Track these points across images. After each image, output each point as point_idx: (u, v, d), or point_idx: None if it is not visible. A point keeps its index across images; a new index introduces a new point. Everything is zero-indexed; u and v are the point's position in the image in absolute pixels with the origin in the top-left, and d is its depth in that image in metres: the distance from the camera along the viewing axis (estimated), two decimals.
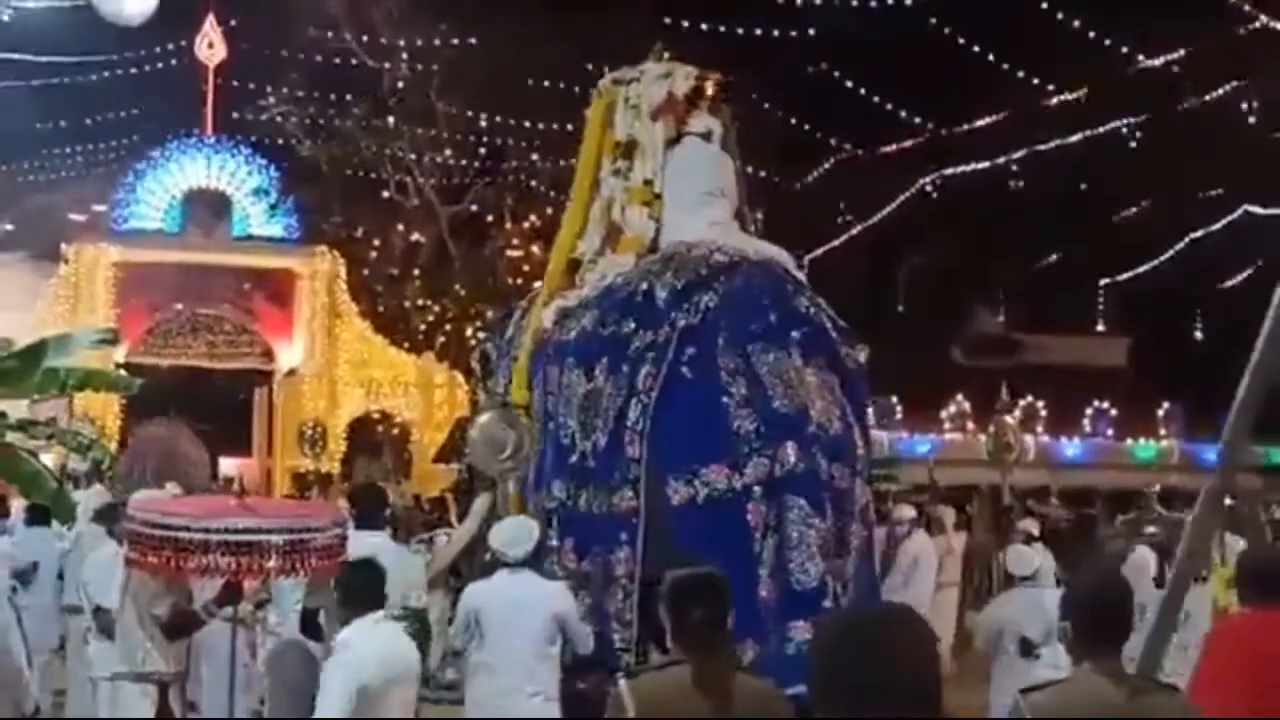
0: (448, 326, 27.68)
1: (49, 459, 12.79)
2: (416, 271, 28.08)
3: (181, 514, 5.97)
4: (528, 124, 27.43)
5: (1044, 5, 24.58)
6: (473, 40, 26.60)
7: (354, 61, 27.27)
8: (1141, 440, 32.14)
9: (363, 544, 6.70)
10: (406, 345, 27.34)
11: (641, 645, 7.73)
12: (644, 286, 8.58)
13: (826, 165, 30.10)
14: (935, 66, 26.37)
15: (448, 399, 26.39)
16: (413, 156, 27.97)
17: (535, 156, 27.65)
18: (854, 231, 31.39)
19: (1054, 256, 33.27)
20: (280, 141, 28.01)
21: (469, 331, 25.62)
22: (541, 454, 8.75)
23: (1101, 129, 28.32)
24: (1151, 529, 12.34)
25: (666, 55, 9.75)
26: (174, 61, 27.41)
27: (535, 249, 25.74)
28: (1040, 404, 30.15)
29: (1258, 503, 12.76)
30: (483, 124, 27.95)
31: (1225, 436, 5.30)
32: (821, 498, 7.83)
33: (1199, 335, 35.99)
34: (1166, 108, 27.06)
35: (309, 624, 7.02)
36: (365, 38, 27.15)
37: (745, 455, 7.81)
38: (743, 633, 7.02)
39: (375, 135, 27.57)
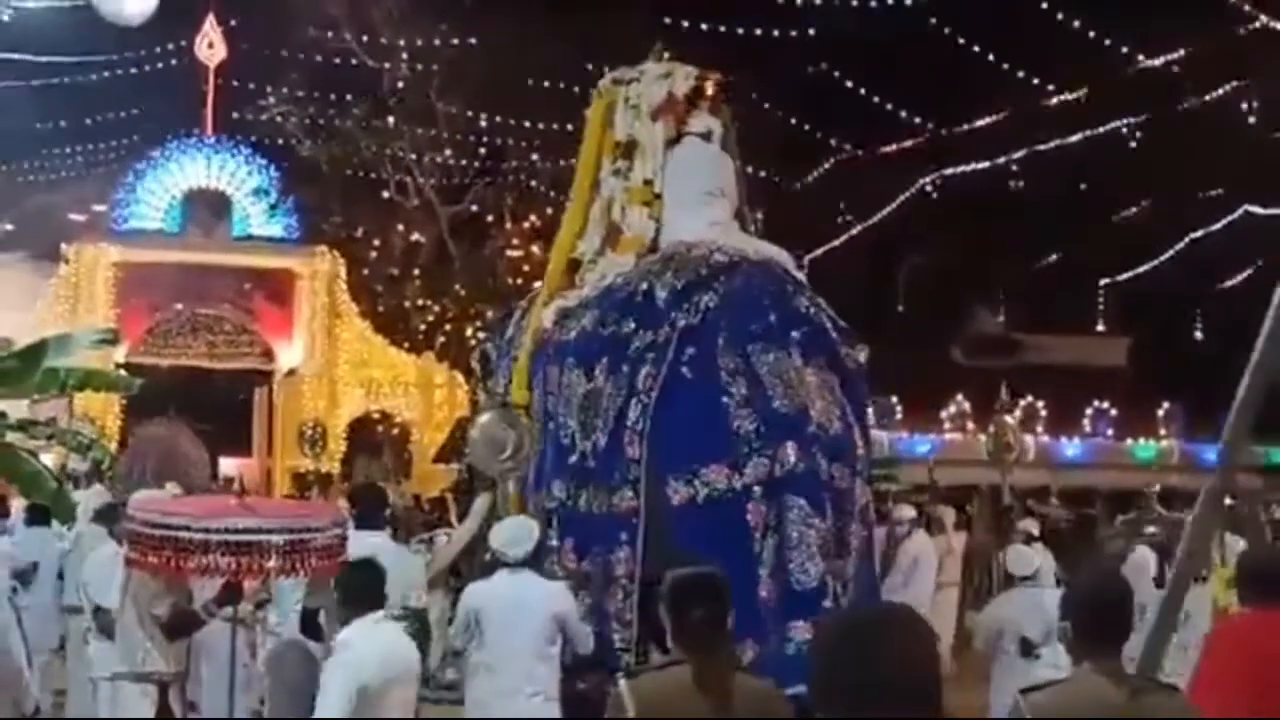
0: (448, 326, 27.69)
1: (49, 459, 12.78)
2: (416, 271, 28.08)
3: (181, 514, 5.97)
4: (528, 124, 27.44)
5: (1044, 5, 24.59)
6: (473, 40, 26.61)
7: (354, 61, 27.28)
8: (1141, 440, 32.14)
9: (363, 544, 6.70)
10: (406, 345, 27.34)
11: (641, 645, 7.73)
12: (644, 286, 8.58)
13: (826, 165, 30.12)
14: (935, 66, 26.38)
15: (448, 399, 26.39)
16: (413, 156, 27.97)
17: (535, 156, 27.65)
18: (854, 231, 31.40)
19: (1054, 256, 33.26)
20: (280, 141, 28.01)
21: (469, 331, 25.63)
22: (541, 454, 8.74)
23: (1101, 129, 28.33)
24: (1151, 529, 12.34)
25: (666, 55, 9.75)
26: (174, 61, 27.43)
27: (535, 249, 25.74)
28: (1040, 404, 30.15)
29: (1258, 503, 12.74)
30: (483, 124, 27.96)
31: (1225, 436, 5.31)
32: (821, 498, 7.83)
33: (1199, 335, 36.01)
34: (1166, 108, 27.08)
35: (309, 624, 7.02)
36: (365, 38, 27.15)
37: (745, 455, 7.81)
38: (743, 633, 7.01)
39: (375, 135, 27.57)
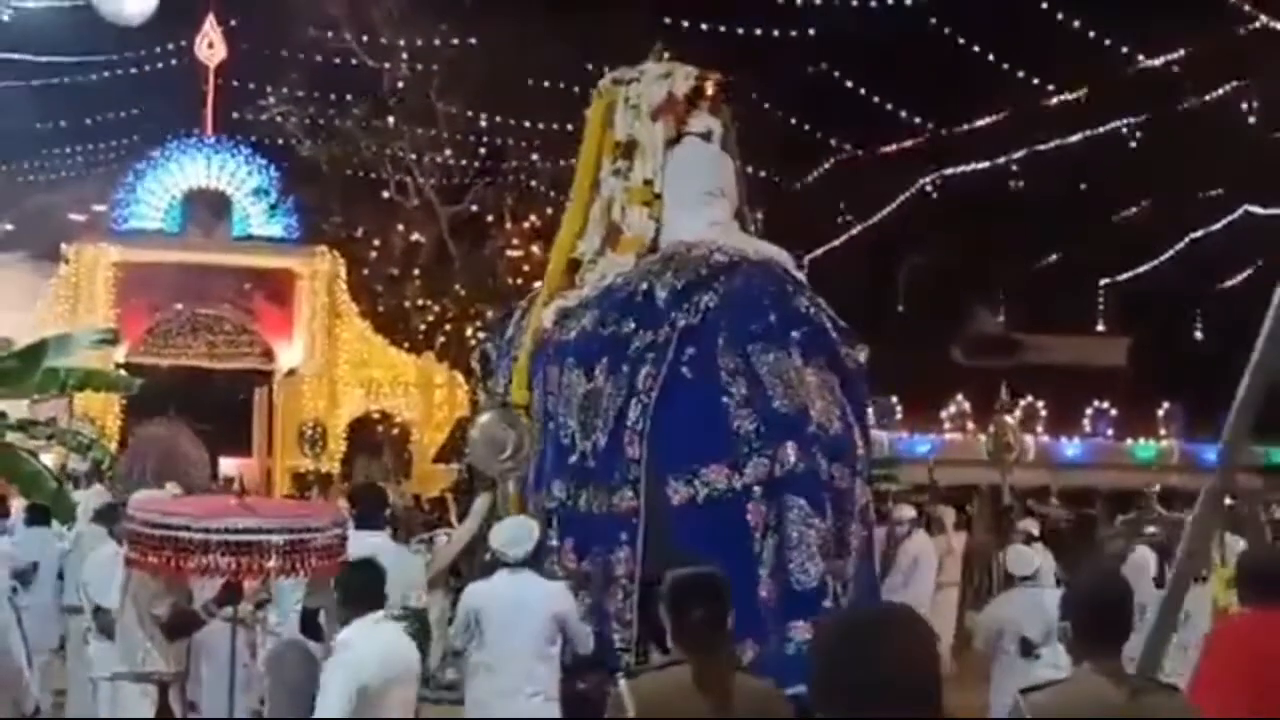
0: (448, 326, 27.69)
1: (49, 459, 12.78)
2: (416, 271, 28.09)
3: (181, 514, 5.97)
4: (528, 124, 27.44)
5: (1044, 5, 24.59)
6: (473, 40, 26.61)
7: (354, 61, 27.28)
8: (1141, 440, 32.14)
9: (363, 544, 6.70)
10: (406, 345, 27.34)
11: (641, 645, 7.73)
12: (644, 286, 8.58)
13: (826, 165, 30.12)
14: (935, 66, 26.38)
15: (448, 399, 26.39)
16: (413, 156, 27.97)
17: (535, 156, 27.65)
18: (854, 231, 31.40)
19: (1054, 256, 33.27)
20: (280, 141, 28.01)
21: (469, 331, 25.64)
22: (541, 454, 8.74)
23: (1101, 129, 28.34)
24: (1151, 529, 12.34)
25: (666, 55, 9.75)
26: (174, 61, 27.43)
27: (535, 249, 25.75)
28: (1040, 404, 30.15)
29: (1258, 503, 12.74)
30: (483, 124, 27.96)
31: (1225, 436, 5.31)
32: (821, 498, 7.83)
33: (1199, 335, 36.02)
34: (1166, 108, 27.08)
35: (309, 624, 7.02)
36: (365, 38, 27.15)
37: (745, 455, 7.81)
38: (743, 633, 7.01)
39: (375, 135, 27.57)
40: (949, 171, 30.71)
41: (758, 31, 25.29)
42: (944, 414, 30.83)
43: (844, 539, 7.96)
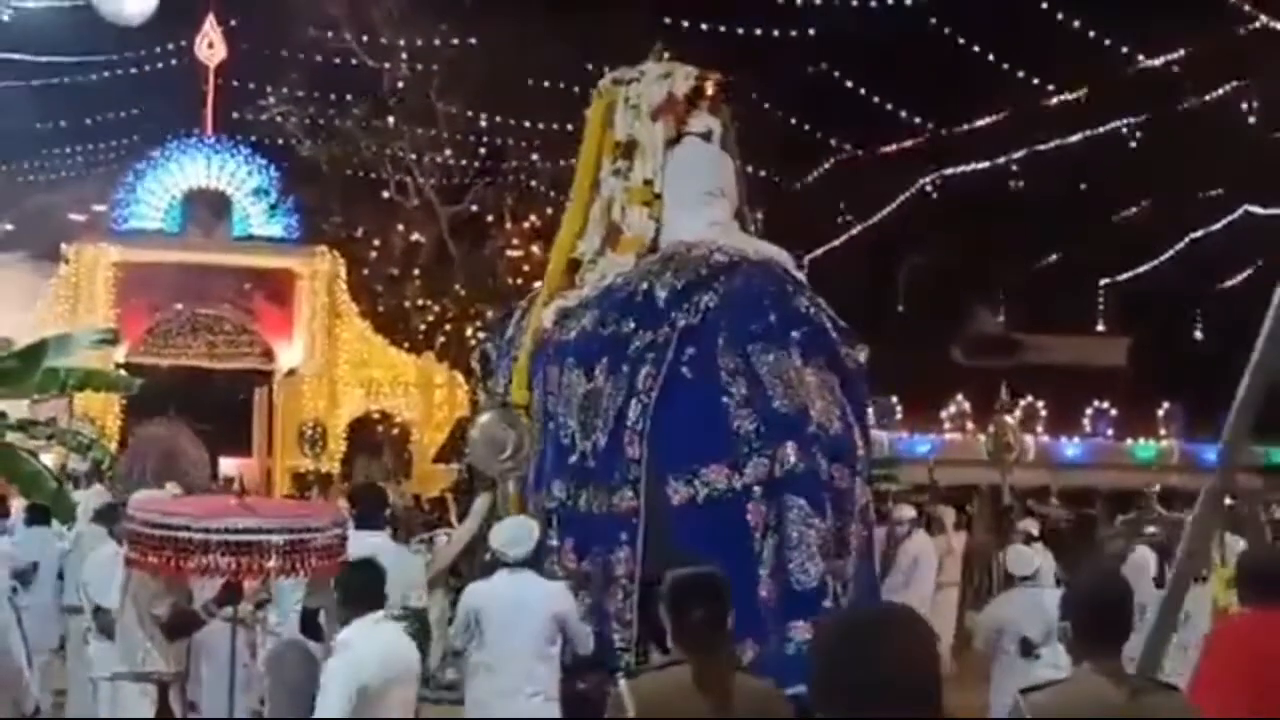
0: (448, 326, 27.70)
1: (49, 459, 12.78)
2: (416, 271, 28.10)
3: (181, 514, 5.97)
4: (528, 124, 27.45)
5: (1044, 5, 24.59)
6: (473, 40, 26.61)
7: (354, 61, 27.29)
8: (1141, 440, 32.13)
9: (363, 544, 6.70)
10: (406, 345, 27.35)
11: (641, 645, 7.73)
12: (644, 286, 8.58)
13: (826, 165, 30.12)
14: (935, 66, 26.38)
15: (448, 399, 26.39)
16: (413, 156, 27.98)
17: (535, 156, 27.66)
18: (854, 231, 31.41)
19: (1054, 256, 33.28)
20: (280, 141, 28.02)
21: (469, 331, 25.65)
22: (541, 454, 8.74)
23: (1101, 129, 28.34)
24: (1151, 529, 12.34)
25: (666, 55, 9.75)
26: (174, 61, 27.43)
27: (535, 249, 25.76)
28: (1040, 404, 30.14)
29: (1258, 503, 12.74)
30: (483, 124, 27.97)
31: (1225, 436, 5.31)
32: (821, 498, 7.82)
33: (1199, 335, 36.03)
34: (1166, 108, 27.09)
35: (309, 624, 7.02)
36: (365, 38, 27.16)
37: (745, 455, 7.80)
38: (743, 633, 7.01)
39: (375, 135, 27.58)
40: (949, 171, 30.72)
41: (758, 31, 25.30)
42: (944, 414, 30.83)
43: (844, 539, 7.96)
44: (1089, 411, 32.55)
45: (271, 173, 26.70)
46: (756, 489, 7.75)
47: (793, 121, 28.12)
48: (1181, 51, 25.66)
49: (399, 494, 17.31)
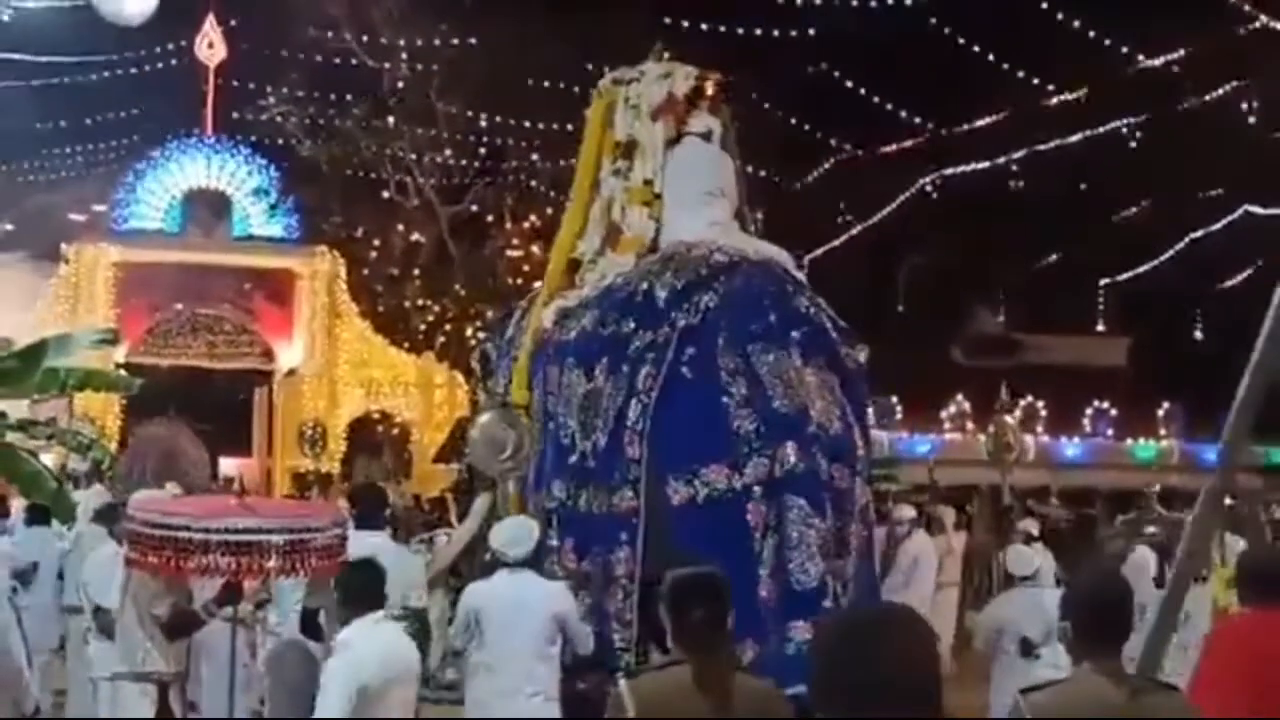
0: (448, 326, 27.70)
1: (49, 459, 12.78)
2: (416, 271, 28.10)
3: (181, 514, 5.97)
4: (528, 124, 27.45)
5: (1044, 5, 24.59)
6: (473, 40, 26.62)
7: (354, 61, 27.29)
8: (1141, 440, 32.13)
9: (363, 544, 6.70)
10: (406, 345, 27.35)
11: (641, 645, 7.73)
12: (644, 286, 8.57)
13: (826, 165, 30.13)
14: (935, 66, 26.38)
15: (448, 399, 26.39)
16: (413, 156, 27.98)
17: (535, 156, 27.66)
18: (854, 231, 31.41)
19: (1054, 256, 33.28)
20: (280, 141, 28.02)
21: (469, 331, 25.65)
22: (541, 454, 8.74)
23: (1101, 129, 28.34)
24: (1151, 529, 12.34)
25: (666, 55, 9.75)
26: (174, 61, 27.43)
27: (535, 249, 25.76)
28: (1040, 404, 30.15)
29: (1258, 503, 12.74)
30: (483, 124, 27.97)
31: (1225, 436, 5.31)
32: (821, 498, 7.82)
33: (1199, 335, 36.03)
34: (1166, 108, 27.09)
35: (309, 624, 7.02)
36: (365, 38, 27.16)
37: (745, 455, 7.80)
38: (743, 633, 7.01)
39: (375, 135, 27.59)
40: (949, 171, 30.72)
41: (758, 31, 25.30)
42: (944, 414, 30.83)
43: (844, 539, 7.95)
44: (1089, 411, 32.55)
45: (271, 173, 26.70)
46: (756, 489, 7.75)
47: (793, 121, 28.12)
48: (1181, 51, 25.67)
49: (399, 494, 17.31)
